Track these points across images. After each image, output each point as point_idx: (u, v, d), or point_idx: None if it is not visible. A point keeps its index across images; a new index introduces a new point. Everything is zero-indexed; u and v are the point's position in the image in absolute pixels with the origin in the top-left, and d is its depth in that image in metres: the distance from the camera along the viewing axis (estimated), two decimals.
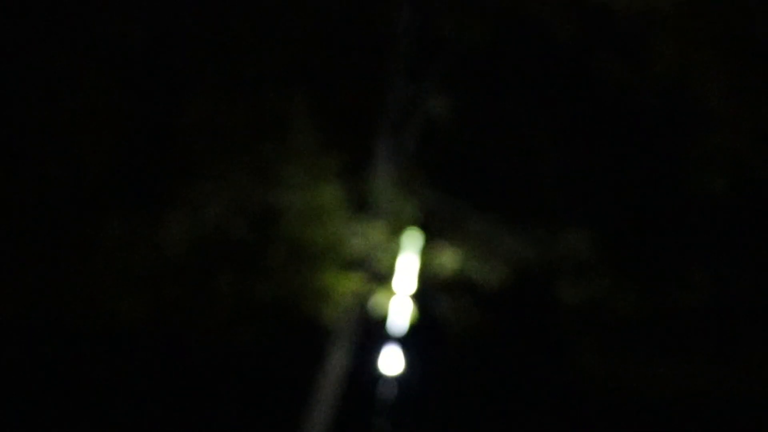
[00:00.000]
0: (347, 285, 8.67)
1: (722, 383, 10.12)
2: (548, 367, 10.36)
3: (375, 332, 9.24)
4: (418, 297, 9.11)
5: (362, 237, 8.66)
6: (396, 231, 8.84)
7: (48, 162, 7.68)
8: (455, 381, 10.05)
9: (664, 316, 9.48)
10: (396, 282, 9.01)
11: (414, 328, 9.20)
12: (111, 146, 7.86)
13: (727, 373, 10.08)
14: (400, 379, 9.37)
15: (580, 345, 9.61)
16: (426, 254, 8.96)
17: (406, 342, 9.27)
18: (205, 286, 8.55)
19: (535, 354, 10.31)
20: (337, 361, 9.07)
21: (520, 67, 9.19)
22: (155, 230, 8.14)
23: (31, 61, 7.72)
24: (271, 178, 8.46)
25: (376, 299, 8.98)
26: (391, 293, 9.04)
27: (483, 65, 9.12)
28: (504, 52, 9.04)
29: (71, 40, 7.86)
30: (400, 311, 9.11)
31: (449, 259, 8.83)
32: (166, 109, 8.22)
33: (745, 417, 10.42)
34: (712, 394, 10.29)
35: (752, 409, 10.27)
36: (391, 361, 9.28)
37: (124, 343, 9.00)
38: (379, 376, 9.34)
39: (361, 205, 8.83)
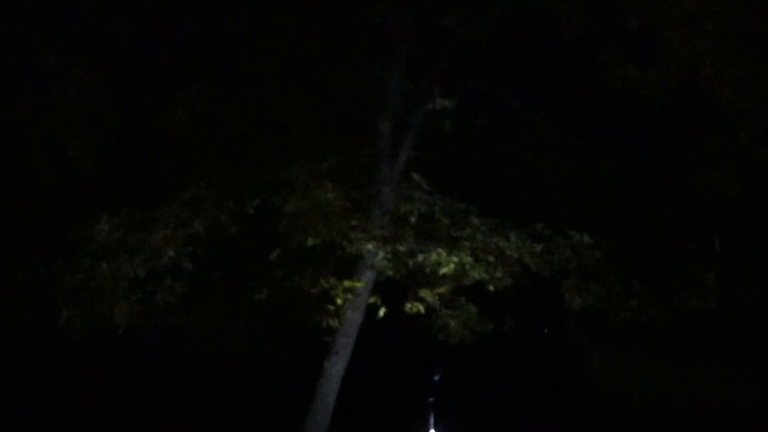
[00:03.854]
0: (347, 285, 8.57)
1: (729, 387, 10.00)
2: (553, 370, 10.26)
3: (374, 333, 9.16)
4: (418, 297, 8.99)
5: (362, 237, 8.53)
6: (396, 231, 8.71)
7: (39, 162, 7.60)
8: (456, 383, 9.99)
9: (671, 320, 9.30)
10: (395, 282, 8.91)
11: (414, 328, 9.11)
12: (103, 146, 7.77)
13: (734, 376, 9.95)
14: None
15: (585, 349, 9.49)
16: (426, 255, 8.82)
17: (405, 343, 9.19)
18: (202, 287, 8.49)
19: (538, 357, 10.22)
20: (337, 362, 9.00)
21: (524, 64, 9.01)
22: (150, 231, 8.05)
23: (22, 59, 7.64)
24: (271, 178, 8.35)
25: (375, 299, 8.89)
26: (390, 293, 8.94)
27: (486, 63, 8.94)
28: (508, 49, 8.85)
29: (63, 39, 7.77)
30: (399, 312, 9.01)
31: (451, 261, 8.68)
32: (161, 108, 8.11)
33: (753, 420, 10.31)
34: (718, 397, 10.16)
35: (758, 412, 10.17)
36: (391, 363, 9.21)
37: (118, 345, 8.96)
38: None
39: (361, 205, 8.70)
